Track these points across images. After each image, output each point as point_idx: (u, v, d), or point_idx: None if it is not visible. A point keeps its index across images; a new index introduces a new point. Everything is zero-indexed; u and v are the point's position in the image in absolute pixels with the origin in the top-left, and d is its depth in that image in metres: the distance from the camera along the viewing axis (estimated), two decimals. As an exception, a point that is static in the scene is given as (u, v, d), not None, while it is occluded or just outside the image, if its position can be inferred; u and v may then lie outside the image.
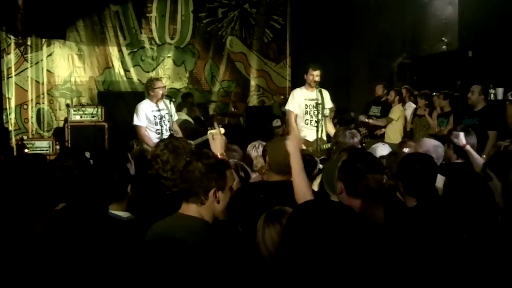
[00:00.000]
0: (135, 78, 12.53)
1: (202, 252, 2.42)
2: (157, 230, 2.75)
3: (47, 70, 12.02)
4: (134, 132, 7.44)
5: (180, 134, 7.28)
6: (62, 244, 2.86)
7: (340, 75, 12.25)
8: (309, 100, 7.21)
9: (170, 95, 9.72)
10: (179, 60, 12.96)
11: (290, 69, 13.54)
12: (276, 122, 10.54)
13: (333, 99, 7.56)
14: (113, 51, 12.43)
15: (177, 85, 12.88)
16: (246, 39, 13.36)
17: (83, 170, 3.57)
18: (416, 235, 2.40)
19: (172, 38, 12.88)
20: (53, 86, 12.11)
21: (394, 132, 9.53)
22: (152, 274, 2.13)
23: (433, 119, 8.83)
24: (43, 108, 12.04)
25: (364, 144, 6.09)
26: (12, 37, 11.61)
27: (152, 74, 12.46)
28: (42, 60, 11.97)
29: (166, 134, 7.08)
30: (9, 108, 11.68)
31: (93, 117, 10.34)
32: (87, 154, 9.22)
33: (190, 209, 2.77)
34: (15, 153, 10.34)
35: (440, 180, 3.40)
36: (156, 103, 7.35)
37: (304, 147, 6.09)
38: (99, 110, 10.45)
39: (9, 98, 11.68)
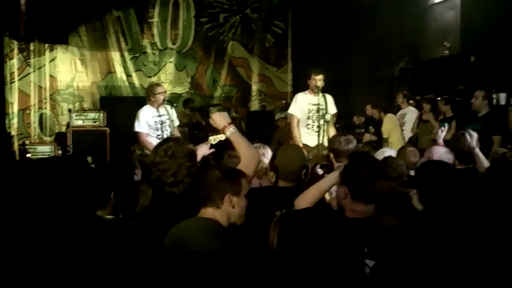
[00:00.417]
0: (137, 83, 12.56)
1: (208, 251, 2.62)
2: (176, 231, 2.95)
3: (50, 75, 12.05)
4: (136, 137, 7.45)
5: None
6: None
7: (340, 80, 12.24)
8: (312, 104, 7.19)
9: (172, 100, 9.75)
10: (180, 65, 12.99)
11: (291, 73, 13.58)
12: (280, 115, 10.52)
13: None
14: (115, 56, 12.46)
15: (179, 90, 12.91)
16: (247, 44, 13.40)
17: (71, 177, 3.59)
18: (427, 239, 2.40)
19: (173, 43, 12.92)
20: (56, 91, 12.14)
21: (395, 142, 9.58)
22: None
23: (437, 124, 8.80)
24: (46, 113, 12.06)
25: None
26: (15, 42, 11.65)
27: (154, 79, 12.50)
28: (44, 65, 12.00)
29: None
30: (12, 112, 11.70)
31: (95, 122, 10.36)
32: (89, 159, 9.31)
33: (207, 212, 2.98)
34: (17, 158, 10.35)
35: None
36: (157, 108, 7.36)
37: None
38: (101, 115, 10.47)
39: (11, 103, 11.70)
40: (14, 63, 11.70)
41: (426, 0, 11.07)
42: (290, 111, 7.48)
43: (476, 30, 9.31)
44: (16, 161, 9.86)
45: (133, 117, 7.59)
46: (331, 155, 4.73)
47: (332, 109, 7.31)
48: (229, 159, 4.78)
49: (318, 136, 6.84)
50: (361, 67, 12.72)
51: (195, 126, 10.59)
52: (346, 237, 2.33)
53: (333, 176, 3.39)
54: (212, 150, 4.50)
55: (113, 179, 3.78)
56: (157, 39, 12.79)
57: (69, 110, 10.85)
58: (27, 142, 11.15)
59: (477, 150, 4.73)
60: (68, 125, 10.63)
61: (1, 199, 3.24)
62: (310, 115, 7.22)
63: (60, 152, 10.36)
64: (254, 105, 13.54)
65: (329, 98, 7.20)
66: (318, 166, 4.41)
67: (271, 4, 13.43)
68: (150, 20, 12.72)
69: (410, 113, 9.77)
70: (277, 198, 3.62)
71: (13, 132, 11.62)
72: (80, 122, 10.35)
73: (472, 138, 4.78)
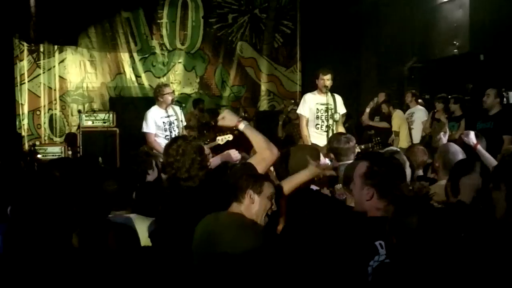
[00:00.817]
0: (146, 83, 12.60)
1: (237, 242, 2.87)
2: (205, 224, 3.14)
3: (59, 76, 12.13)
4: (145, 138, 7.48)
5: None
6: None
7: (350, 79, 12.21)
8: (321, 104, 7.16)
9: (181, 100, 9.82)
10: (189, 65, 13.02)
11: (300, 73, 13.55)
12: (292, 106, 10.47)
13: (343, 103, 7.48)
14: (125, 57, 12.52)
15: (188, 90, 12.94)
16: (256, 44, 13.39)
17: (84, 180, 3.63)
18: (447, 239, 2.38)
19: (182, 44, 12.94)
20: (65, 92, 12.21)
21: (402, 139, 9.55)
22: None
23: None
24: (56, 114, 12.13)
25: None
26: (25, 44, 11.73)
27: (163, 80, 12.53)
28: (54, 66, 12.08)
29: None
30: (22, 114, 11.79)
31: (104, 122, 10.41)
32: (100, 160, 9.35)
33: (233, 208, 3.18)
34: (27, 159, 10.41)
35: None
36: (166, 109, 7.40)
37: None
38: (111, 115, 10.51)
39: (22, 104, 11.79)
40: (24, 64, 11.78)
41: (434, -2, 11.03)
42: (299, 111, 7.47)
43: (485, 29, 9.26)
44: (26, 162, 9.91)
45: (142, 117, 7.65)
46: (331, 155, 4.70)
47: (341, 109, 7.28)
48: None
49: (327, 136, 6.80)
50: (371, 67, 12.68)
51: (204, 127, 10.61)
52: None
53: (310, 172, 3.57)
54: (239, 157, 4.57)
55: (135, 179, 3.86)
56: (166, 40, 12.82)
57: (79, 111, 10.92)
58: (37, 143, 11.23)
59: (480, 148, 4.69)
60: (78, 126, 10.67)
61: (14, 198, 3.27)
62: (319, 115, 7.20)
63: (70, 153, 10.40)
64: (263, 105, 13.54)
65: (338, 98, 7.19)
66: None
67: (280, 4, 13.42)
68: (159, 21, 12.76)
69: (418, 112, 9.74)
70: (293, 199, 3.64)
71: (24, 133, 11.71)
72: (90, 123, 10.41)
73: (469, 137, 4.75)
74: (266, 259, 2.81)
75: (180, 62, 12.94)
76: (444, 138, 5.41)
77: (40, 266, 2.64)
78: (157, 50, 12.78)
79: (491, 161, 4.51)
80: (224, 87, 13.25)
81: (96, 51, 12.33)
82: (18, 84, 11.68)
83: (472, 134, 4.76)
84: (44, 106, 12.04)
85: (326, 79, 7.09)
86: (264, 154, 3.63)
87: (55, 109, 12.12)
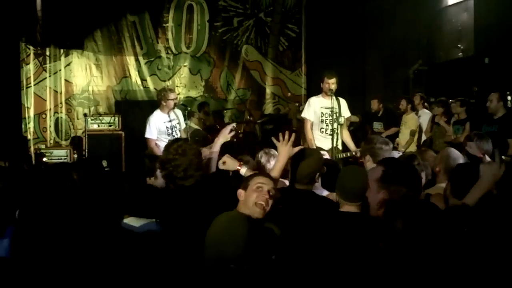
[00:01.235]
0: (151, 87, 12.64)
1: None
2: (215, 224, 3.06)
3: (65, 80, 12.17)
4: (147, 143, 7.52)
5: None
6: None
7: (355, 83, 12.22)
8: (325, 108, 7.14)
9: (186, 103, 9.82)
10: (195, 69, 13.05)
11: (305, 76, 13.58)
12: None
13: (348, 106, 7.43)
14: (130, 60, 12.56)
15: (193, 93, 12.98)
16: (261, 48, 13.43)
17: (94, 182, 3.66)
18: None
19: (188, 47, 12.98)
20: (71, 95, 12.26)
21: (406, 140, 9.55)
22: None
23: (450, 126, 8.75)
24: (61, 117, 12.18)
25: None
26: (31, 47, 11.77)
27: (169, 83, 12.58)
28: (60, 70, 12.12)
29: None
30: (28, 117, 11.83)
31: (110, 125, 10.43)
32: (104, 163, 9.38)
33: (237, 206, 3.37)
34: (33, 162, 10.45)
35: None
36: (168, 113, 7.43)
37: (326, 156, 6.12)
38: (116, 119, 10.54)
39: (28, 107, 11.83)
40: (30, 68, 11.82)
41: (440, 2, 11.03)
42: (303, 114, 7.45)
43: (490, 32, 9.26)
44: (32, 165, 9.95)
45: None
46: (367, 157, 4.71)
47: (346, 113, 7.28)
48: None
49: (332, 139, 6.81)
50: (376, 70, 12.69)
51: (209, 130, 10.63)
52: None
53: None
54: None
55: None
56: (171, 43, 12.86)
57: (85, 115, 10.95)
58: (42, 146, 11.28)
59: (487, 158, 4.68)
60: (83, 129, 10.71)
61: (22, 202, 3.29)
62: (323, 119, 7.18)
63: (75, 156, 10.44)
64: (268, 108, 13.57)
65: (343, 102, 7.17)
66: None
67: (285, 7, 13.45)
68: (164, 25, 12.80)
69: (424, 115, 9.76)
70: (292, 200, 3.65)
71: (29, 136, 11.75)
72: (95, 126, 10.43)
73: (484, 142, 4.74)
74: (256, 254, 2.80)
75: (185, 66, 12.98)
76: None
77: (48, 269, 2.66)
78: (163, 54, 12.82)
79: None
80: (229, 90, 13.28)
81: (102, 55, 12.37)
82: (24, 88, 11.73)
83: (473, 146, 4.76)
84: (50, 109, 12.09)
85: (331, 83, 7.07)
86: None
87: (61, 112, 12.17)
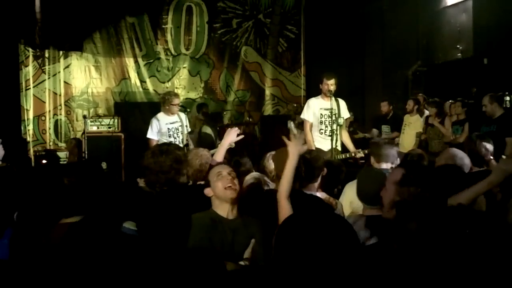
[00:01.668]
0: (151, 88, 12.65)
1: None
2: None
3: (65, 82, 12.17)
4: (148, 143, 7.54)
5: (192, 146, 7.36)
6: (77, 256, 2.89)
7: (354, 84, 12.23)
8: (324, 109, 7.15)
9: (186, 105, 9.80)
10: (194, 70, 13.06)
11: (304, 78, 13.58)
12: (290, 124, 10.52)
13: (348, 107, 7.45)
14: (129, 62, 12.56)
15: (193, 95, 12.98)
16: (261, 49, 13.43)
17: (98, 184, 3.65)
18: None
19: (187, 49, 12.99)
20: (70, 97, 12.26)
21: (409, 141, 9.53)
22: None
23: (445, 126, 8.73)
24: (61, 119, 12.18)
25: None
26: (30, 49, 11.78)
27: (168, 85, 12.60)
28: (59, 72, 12.12)
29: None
30: (27, 119, 11.83)
31: (109, 127, 10.42)
32: (104, 165, 9.37)
33: None
34: (32, 164, 10.45)
35: None
36: (171, 116, 7.48)
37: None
38: (116, 120, 10.52)
39: (27, 109, 11.83)
40: (29, 70, 11.82)
41: (439, 3, 11.04)
42: (302, 116, 7.45)
43: (489, 33, 9.28)
44: (32, 167, 9.95)
45: (147, 122, 7.71)
46: (372, 158, 4.75)
47: (345, 114, 7.28)
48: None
49: (332, 140, 6.80)
50: (375, 71, 12.69)
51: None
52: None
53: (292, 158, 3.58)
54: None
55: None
56: (170, 45, 12.87)
57: (84, 116, 10.92)
58: (40, 148, 11.29)
59: (494, 162, 4.68)
60: (83, 131, 10.70)
61: (20, 204, 3.30)
62: (322, 120, 7.18)
63: (75, 158, 10.43)
64: (268, 109, 13.57)
65: (342, 103, 7.16)
66: None
67: (284, 9, 13.46)
68: (163, 26, 12.80)
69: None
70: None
71: (29, 139, 11.74)
72: (95, 128, 10.41)
73: (486, 142, 4.74)
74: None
75: (184, 67, 12.98)
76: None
77: (46, 270, 2.66)
78: (162, 55, 12.82)
79: None
80: (228, 91, 13.28)
81: (101, 57, 12.37)
82: (23, 90, 11.72)
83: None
84: (49, 111, 12.08)
85: (330, 84, 7.06)
86: None
87: (60, 114, 12.17)
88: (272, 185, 4.38)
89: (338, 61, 11.79)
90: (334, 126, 6.85)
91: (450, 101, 9.07)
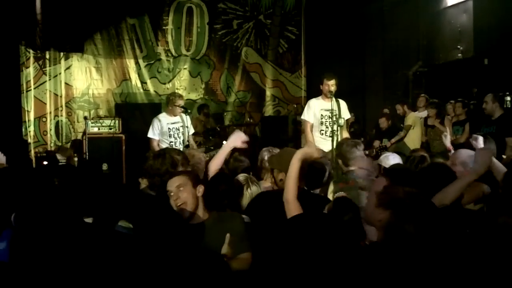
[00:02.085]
0: (151, 89, 12.66)
1: None
2: None
3: (65, 83, 12.19)
4: (149, 143, 7.58)
5: (195, 147, 7.38)
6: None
7: (355, 84, 12.23)
8: (325, 110, 7.15)
9: (187, 106, 9.80)
10: (195, 71, 13.06)
11: (305, 78, 13.58)
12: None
13: (348, 108, 7.45)
14: (130, 63, 12.57)
15: (193, 96, 12.98)
16: (261, 50, 13.43)
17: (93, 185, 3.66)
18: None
19: (188, 50, 12.99)
20: (71, 98, 12.27)
21: (411, 140, 9.51)
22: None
23: (445, 126, 8.72)
24: (62, 121, 12.19)
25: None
26: (31, 51, 11.79)
27: (169, 86, 12.61)
28: (60, 73, 12.14)
29: (179, 147, 7.19)
30: (28, 120, 11.84)
31: (110, 129, 10.43)
32: (105, 166, 9.38)
33: None
34: (34, 165, 10.45)
35: None
36: (173, 116, 7.51)
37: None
38: (117, 122, 10.53)
39: (28, 111, 11.84)
40: (30, 71, 11.84)
41: (439, 3, 11.03)
42: (303, 117, 7.45)
43: (489, 33, 9.28)
44: (32, 168, 9.95)
45: (148, 123, 7.75)
46: (340, 161, 4.69)
47: (346, 114, 7.28)
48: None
49: (332, 141, 6.79)
50: (375, 71, 12.69)
51: (209, 132, 10.64)
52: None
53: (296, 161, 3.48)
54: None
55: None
56: (171, 46, 12.87)
57: (85, 118, 10.95)
58: (41, 149, 11.29)
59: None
60: (84, 132, 10.71)
61: (17, 205, 3.29)
62: (323, 121, 7.18)
63: (76, 159, 10.43)
64: (268, 110, 13.56)
65: (342, 103, 7.15)
66: None
67: (285, 9, 13.46)
68: (164, 28, 12.81)
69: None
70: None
71: (30, 140, 11.76)
72: (96, 129, 10.42)
73: (477, 141, 4.71)
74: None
75: (185, 68, 12.99)
76: (447, 142, 5.40)
77: (47, 273, 2.66)
78: (163, 56, 12.83)
79: (500, 168, 4.46)
80: (229, 92, 13.28)
81: (102, 58, 12.38)
82: (24, 91, 11.74)
83: (480, 139, 4.71)
84: (50, 112, 12.09)
85: (331, 85, 7.06)
86: None
87: (61, 115, 12.18)
88: (264, 184, 4.37)
89: (339, 61, 11.80)
90: (335, 127, 6.82)
91: (450, 101, 9.07)
